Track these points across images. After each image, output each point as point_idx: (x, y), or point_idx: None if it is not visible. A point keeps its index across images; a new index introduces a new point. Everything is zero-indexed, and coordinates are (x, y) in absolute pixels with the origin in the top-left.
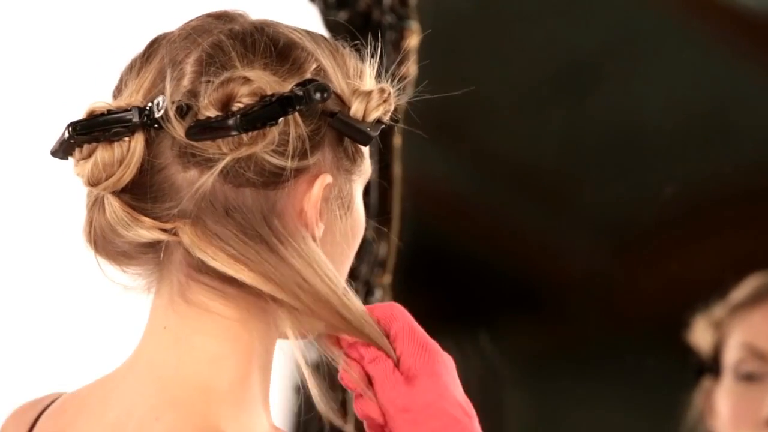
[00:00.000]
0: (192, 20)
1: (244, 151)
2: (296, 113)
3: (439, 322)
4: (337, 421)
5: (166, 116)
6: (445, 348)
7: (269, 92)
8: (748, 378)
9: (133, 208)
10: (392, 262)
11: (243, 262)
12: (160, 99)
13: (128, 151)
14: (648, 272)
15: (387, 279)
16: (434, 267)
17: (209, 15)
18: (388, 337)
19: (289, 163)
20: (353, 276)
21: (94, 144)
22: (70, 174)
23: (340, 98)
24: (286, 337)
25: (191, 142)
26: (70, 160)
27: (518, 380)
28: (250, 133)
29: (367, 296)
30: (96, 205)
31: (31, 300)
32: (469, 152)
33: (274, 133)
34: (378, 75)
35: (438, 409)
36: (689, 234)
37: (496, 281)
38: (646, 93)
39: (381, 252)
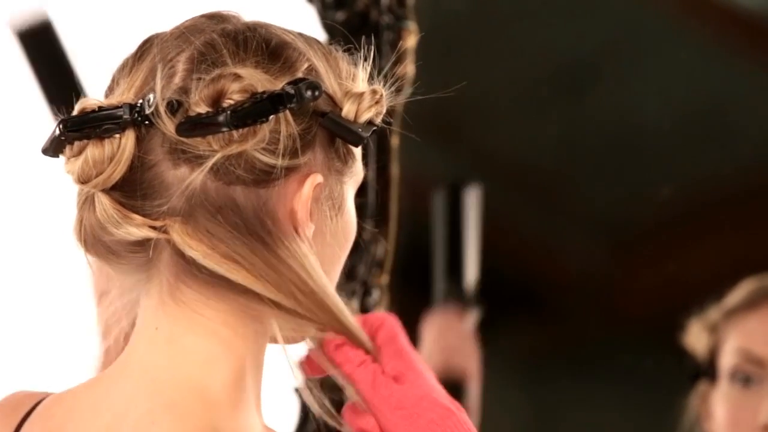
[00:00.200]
0: (185, 21)
1: (234, 149)
2: (287, 112)
3: None
4: (332, 422)
5: (156, 112)
6: None
7: (260, 90)
8: (744, 383)
9: (123, 206)
10: (390, 263)
11: (235, 261)
12: (150, 96)
13: (119, 148)
14: (646, 272)
15: (384, 279)
16: (432, 267)
17: (203, 15)
18: (374, 342)
19: (279, 162)
20: (351, 276)
21: (85, 141)
22: (61, 173)
23: (332, 99)
24: (276, 342)
25: (181, 139)
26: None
27: (515, 380)
28: (240, 131)
29: (364, 296)
30: (86, 203)
31: (23, 299)
32: (466, 152)
33: (264, 130)
34: (376, 75)
35: (432, 401)
36: (687, 234)
37: (492, 281)
38: (644, 93)
39: (378, 252)
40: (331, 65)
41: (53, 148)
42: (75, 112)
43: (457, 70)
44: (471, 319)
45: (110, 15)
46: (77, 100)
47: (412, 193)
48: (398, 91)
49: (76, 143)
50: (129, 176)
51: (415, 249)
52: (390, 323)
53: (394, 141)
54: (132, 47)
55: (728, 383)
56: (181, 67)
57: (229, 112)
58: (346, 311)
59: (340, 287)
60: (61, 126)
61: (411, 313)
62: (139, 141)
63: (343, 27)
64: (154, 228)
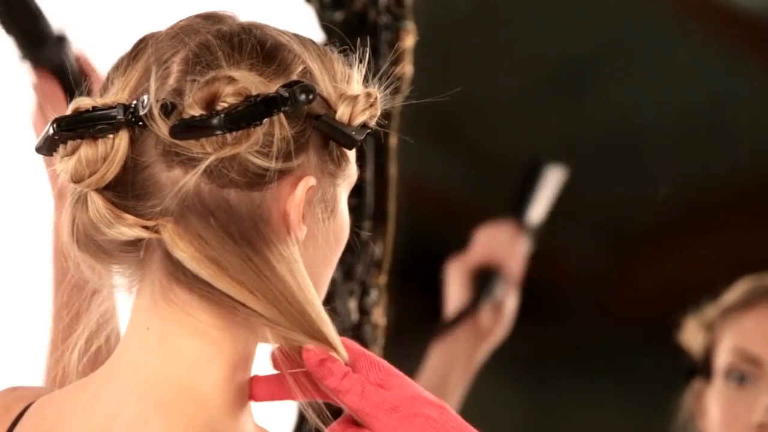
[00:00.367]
0: (181, 20)
1: (228, 151)
2: (281, 114)
3: (434, 322)
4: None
5: (150, 114)
6: None
7: (254, 92)
8: (739, 382)
9: (116, 206)
10: (388, 263)
11: (220, 266)
12: (144, 97)
13: (112, 148)
14: (645, 272)
15: (383, 279)
16: (430, 267)
17: (198, 15)
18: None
19: (273, 165)
20: (349, 276)
21: (79, 141)
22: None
23: (326, 101)
24: (268, 341)
25: (175, 141)
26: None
27: (513, 380)
28: (234, 133)
29: (362, 296)
30: (79, 202)
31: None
32: (465, 152)
33: (258, 133)
34: (373, 76)
35: (423, 400)
36: (686, 234)
37: None
38: (643, 93)
39: (377, 252)
40: (326, 67)
41: (47, 147)
42: (69, 112)
43: (456, 70)
44: (524, 240)
45: (108, 14)
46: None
47: (411, 193)
48: (396, 91)
49: (70, 143)
50: (122, 176)
51: (413, 249)
52: (350, 342)
53: (393, 141)
54: (128, 46)
55: (723, 382)
56: (175, 68)
57: (222, 115)
58: (329, 322)
59: (339, 287)
60: (54, 125)
61: (409, 313)
62: (133, 142)
63: (341, 27)
64: (146, 228)
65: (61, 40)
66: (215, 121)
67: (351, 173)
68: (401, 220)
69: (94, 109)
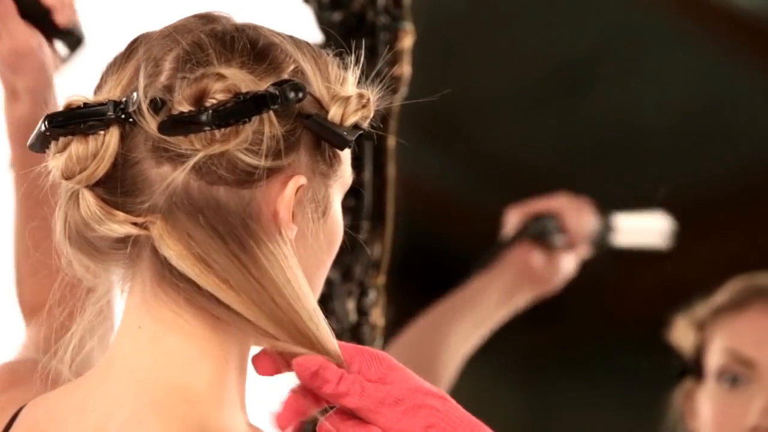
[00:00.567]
0: (176, 21)
1: (216, 148)
2: (271, 113)
3: None
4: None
5: (139, 110)
6: None
7: (244, 90)
8: (731, 383)
9: (106, 202)
10: (386, 263)
11: (207, 264)
12: (135, 94)
13: (102, 144)
14: (643, 273)
15: (381, 280)
16: (428, 268)
17: (193, 15)
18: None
19: (262, 162)
20: (347, 277)
21: (69, 137)
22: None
23: (318, 102)
24: (258, 344)
25: (164, 137)
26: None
27: (513, 380)
28: (223, 130)
29: (361, 297)
30: (71, 200)
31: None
32: (463, 153)
33: (247, 131)
34: (372, 76)
35: (425, 391)
36: (684, 234)
37: None
38: (642, 93)
39: (375, 253)
40: (320, 68)
41: (39, 144)
42: (61, 108)
43: (454, 70)
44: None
45: (108, 15)
46: None
47: (409, 194)
48: (394, 92)
49: (61, 139)
50: (112, 173)
51: (411, 249)
52: (344, 343)
53: (391, 142)
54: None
55: (715, 383)
56: (167, 66)
57: (211, 111)
58: (322, 321)
59: (337, 288)
60: (46, 122)
61: (408, 313)
62: (123, 138)
63: (339, 28)
64: (136, 225)
65: None
66: (203, 117)
67: (344, 175)
68: (400, 220)
69: (86, 105)
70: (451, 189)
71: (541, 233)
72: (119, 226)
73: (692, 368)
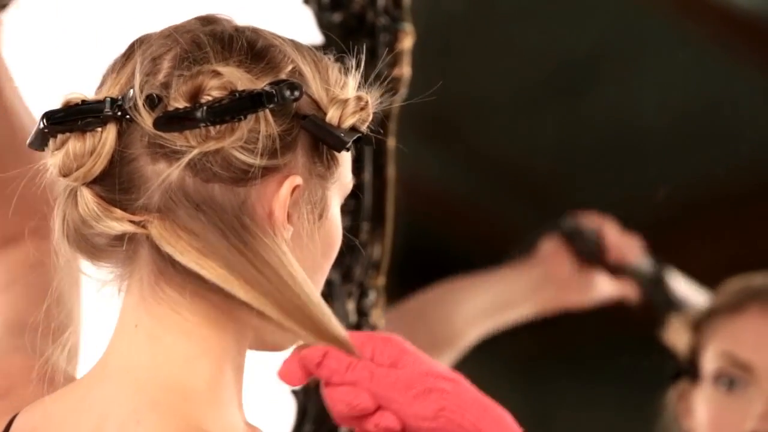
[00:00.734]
0: (177, 23)
1: (211, 145)
2: (267, 111)
3: None
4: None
5: (135, 106)
6: None
7: (240, 88)
8: (728, 387)
9: (104, 199)
10: (386, 264)
11: (212, 258)
12: (131, 90)
13: (99, 141)
14: None
15: (381, 281)
16: (428, 268)
17: (195, 18)
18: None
19: (257, 161)
20: (347, 277)
21: (67, 134)
22: None
23: (316, 103)
24: (258, 348)
25: (159, 134)
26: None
27: (512, 380)
28: (218, 128)
29: (361, 298)
30: (69, 198)
31: None
32: (463, 153)
33: (243, 129)
34: (371, 77)
35: (437, 375)
36: (684, 234)
37: None
38: (642, 93)
39: (375, 254)
40: (319, 71)
41: (38, 141)
42: (59, 105)
43: (454, 71)
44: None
45: (108, 16)
46: None
47: (409, 195)
48: (393, 93)
49: (59, 136)
50: (109, 170)
51: (411, 250)
52: (354, 332)
53: (391, 142)
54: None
55: (712, 386)
56: (166, 65)
57: (206, 107)
58: (325, 308)
59: (337, 289)
60: (44, 119)
61: None
62: (120, 135)
63: (339, 29)
64: (133, 222)
65: None
66: (198, 113)
67: (342, 177)
68: (399, 221)
69: (84, 102)
70: (451, 190)
71: (573, 233)
72: (117, 223)
73: (687, 369)
